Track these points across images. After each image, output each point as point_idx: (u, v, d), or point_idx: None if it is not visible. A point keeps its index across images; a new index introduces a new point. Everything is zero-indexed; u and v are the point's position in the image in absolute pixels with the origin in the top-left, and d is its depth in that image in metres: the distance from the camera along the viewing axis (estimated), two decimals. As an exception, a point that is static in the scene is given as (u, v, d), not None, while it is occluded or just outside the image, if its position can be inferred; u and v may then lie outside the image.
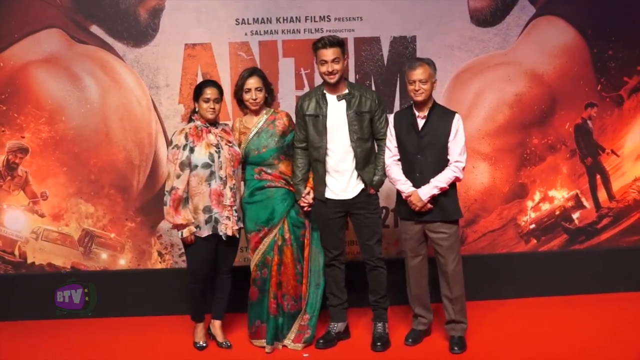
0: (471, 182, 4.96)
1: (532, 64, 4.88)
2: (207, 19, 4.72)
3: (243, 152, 4.03)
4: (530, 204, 5.04)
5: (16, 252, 4.93)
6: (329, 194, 3.96)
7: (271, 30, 4.75)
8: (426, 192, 3.78)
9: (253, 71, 4.01)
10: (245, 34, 4.73)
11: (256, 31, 4.74)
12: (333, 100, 3.90)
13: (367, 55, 4.83)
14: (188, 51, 4.74)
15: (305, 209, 4.05)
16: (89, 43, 4.75)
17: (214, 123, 3.94)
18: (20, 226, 4.92)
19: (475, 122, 4.91)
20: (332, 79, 3.85)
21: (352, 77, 4.75)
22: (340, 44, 3.84)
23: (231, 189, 3.88)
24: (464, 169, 3.82)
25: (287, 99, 4.77)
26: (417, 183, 3.82)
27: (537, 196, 5.03)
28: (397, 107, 4.83)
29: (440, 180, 3.78)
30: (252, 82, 3.96)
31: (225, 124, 4.10)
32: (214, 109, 3.89)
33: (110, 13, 4.75)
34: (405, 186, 3.84)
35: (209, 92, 3.91)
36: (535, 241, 5.07)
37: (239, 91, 3.99)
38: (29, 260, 4.95)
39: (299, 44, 4.70)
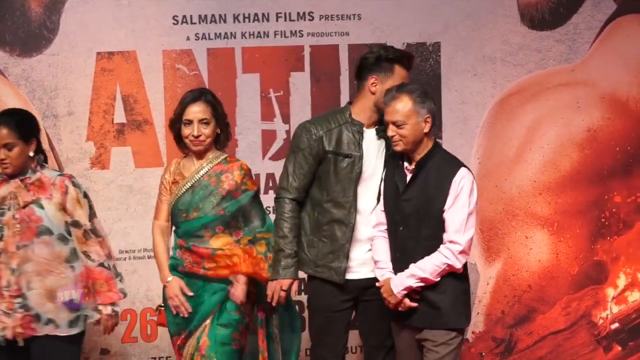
0: (523, 259, 4.52)
1: (613, 84, 4.51)
2: (130, 16, 4.30)
3: (169, 209, 3.54)
4: (611, 292, 4.61)
5: None
6: (354, 272, 3.53)
7: (226, 34, 4.38)
8: (399, 282, 3.31)
9: (199, 94, 3.50)
10: (188, 39, 4.32)
11: (204, 34, 4.35)
12: (371, 136, 3.49)
13: (368, 70, 4.63)
14: (102, 63, 4.29)
15: (274, 303, 3.52)
16: (-50, 51, 4.46)
17: (24, 171, 3.46)
18: None
19: (528, 170, 4.49)
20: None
21: (346, 100, 4.19)
22: None
23: (14, 271, 3.36)
24: (463, 253, 3.29)
25: (249, 134, 4.29)
26: (397, 267, 3.37)
27: (622, 281, 4.61)
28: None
29: (422, 268, 3.28)
30: (196, 111, 3.43)
31: (52, 172, 3.51)
32: (3, 160, 3.39)
33: (-16, 6, 4.32)
34: (380, 272, 3.42)
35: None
36: (619, 348, 4.60)
37: (176, 122, 3.47)
38: None
39: (267, 53, 4.35)
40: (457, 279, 3.38)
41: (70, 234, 3.43)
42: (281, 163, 4.11)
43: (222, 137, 3.55)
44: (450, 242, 3.30)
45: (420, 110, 3.30)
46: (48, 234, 3.44)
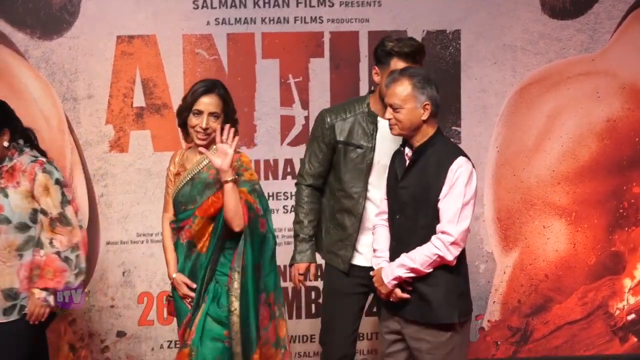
0: (540, 249, 4.51)
1: (633, 74, 4.49)
2: (150, 0, 4.29)
3: (172, 200, 3.45)
4: (628, 283, 4.60)
5: None
6: (359, 259, 3.51)
7: (246, 19, 4.36)
8: (389, 272, 3.21)
9: (212, 86, 3.37)
10: (208, 23, 4.31)
11: (224, 19, 4.34)
12: (384, 126, 3.38)
13: (388, 58, 4.59)
14: (122, 46, 4.29)
15: (298, 286, 3.62)
16: (-27, 33, 4.39)
17: (1, 160, 3.37)
18: None
19: (547, 159, 4.48)
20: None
21: (367, 89, 4.25)
22: None
23: None
24: (454, 245, 3.14)
25: (268, 119, 4.25)
26: (394, 256, 3.28)
27: (639, 272, 4.59)
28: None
29: (412, 258, 3.16)
30: (207, 103, 3.32)
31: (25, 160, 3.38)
32: None
33: (6, -11, 4.31)
34: (375, 260, 3.34)
35: None
36: (635, 339, 4.60)
37: (184, 111, 3.35)
38: None
39: (287, 39, 4.33)
40: (450, 272, 3.26)
41: (35, 222, 3.35)
42: (299, 149, 4.19)
43: None
44: (442, 232, 3.19)
45: (419, 96, 3.19)
46: (5, 223, 3.37)
